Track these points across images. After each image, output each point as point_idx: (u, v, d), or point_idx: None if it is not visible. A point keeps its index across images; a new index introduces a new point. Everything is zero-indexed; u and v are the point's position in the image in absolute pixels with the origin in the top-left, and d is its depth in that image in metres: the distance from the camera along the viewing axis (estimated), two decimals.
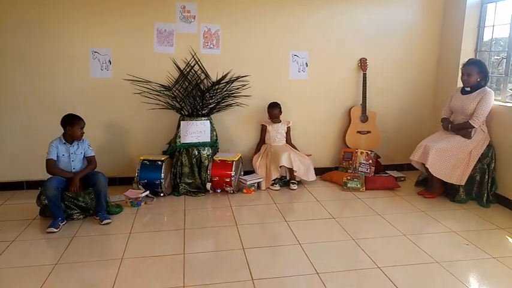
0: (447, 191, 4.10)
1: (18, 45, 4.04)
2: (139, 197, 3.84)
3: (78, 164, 3.58)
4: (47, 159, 3.47)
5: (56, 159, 3.48)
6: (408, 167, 4.80)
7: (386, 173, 4.71)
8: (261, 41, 4.46)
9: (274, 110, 4.45)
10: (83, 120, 3.56)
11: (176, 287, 2.51)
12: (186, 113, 4.31)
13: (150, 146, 4.45)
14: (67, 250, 2.98)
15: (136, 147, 4.44)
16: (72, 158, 3.53)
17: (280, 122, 4.52)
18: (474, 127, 3.84)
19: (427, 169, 4.02)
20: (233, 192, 4.20)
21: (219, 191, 4.22)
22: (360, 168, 4.58)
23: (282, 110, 4.50)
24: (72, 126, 3.47)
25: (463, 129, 3.90)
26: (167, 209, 3.80)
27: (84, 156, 3.62)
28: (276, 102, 4.48)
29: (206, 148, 4.23)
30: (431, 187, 4.11)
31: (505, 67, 4.08)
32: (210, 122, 4.28)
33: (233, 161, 4.14)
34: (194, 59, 4.33)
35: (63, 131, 3.53)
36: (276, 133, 4.48)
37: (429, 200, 4.02)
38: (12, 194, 4.21)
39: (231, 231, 3.32)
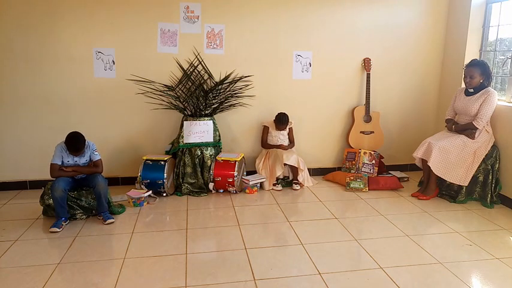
0: (444, 192, 4.09)
1: (24, 45, 4.06)
2: (141, 197, 3.84)
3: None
4: (51, 163, 3.42)
5: (60, 163, 3.44)
6: (412, 167, 4.79)
7: (390, 174, 4.68)
8: (264, 41, 4.46)
9: (282, 126, 4.39)
10: (75, 150, 3.40)
11: (178, 287, 2.51)
12: (189, 113, 4.32)
13: (153, 146, 4.46)
14: (70, 250, 2.99)
15: (139, 147, 4.45)
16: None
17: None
18: (478, 128, 3.82)
19: (425, 169, 4.00)
20: (236, 193, 4.19)
21: (221, 191, 4.22)
22: (363, 169, 4.57)
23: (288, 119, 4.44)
24: (66, 146, 3.41)
25: (467, 130, 3.88)
26: (170, 209, 3.81)
27: (90, 160, 3.55)
28: (285, 118, 4.37)
29: (209, 148, 4.23)
30: (427, 188, 4.08)
31: (510, 67, 4.05)
32: (213, 122, 4.28)
33: (236, 161, 4.14)
34: (197, 59, 4.33)
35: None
36: (279, 134, 4.47)
37: (432, 201, 3.99)
38: (16, 193, 4.22)
39: (233, 231, 3.32)
